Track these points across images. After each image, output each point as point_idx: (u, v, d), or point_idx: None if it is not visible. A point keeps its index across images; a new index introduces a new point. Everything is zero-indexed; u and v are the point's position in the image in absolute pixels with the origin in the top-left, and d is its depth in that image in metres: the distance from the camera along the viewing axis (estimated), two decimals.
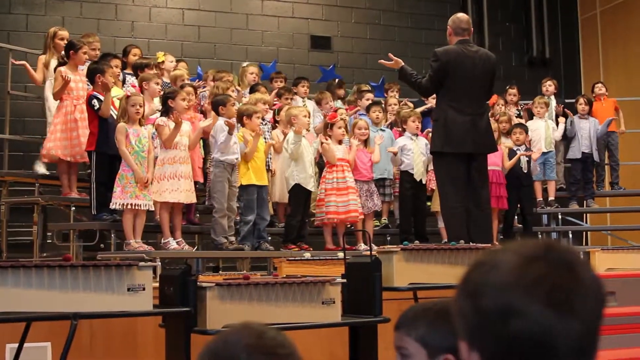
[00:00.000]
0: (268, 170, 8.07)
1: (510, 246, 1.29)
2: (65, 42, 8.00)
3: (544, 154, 9.64)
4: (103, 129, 7.14)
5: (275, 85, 9.46)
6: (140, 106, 6.95)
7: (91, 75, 7.41)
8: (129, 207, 6.84)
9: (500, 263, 1.25)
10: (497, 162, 8.50)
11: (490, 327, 1.22)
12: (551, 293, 1.20)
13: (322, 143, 8.21)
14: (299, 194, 7.98)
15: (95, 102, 7.17)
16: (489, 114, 9.57)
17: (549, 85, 10.36)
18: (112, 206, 6.90)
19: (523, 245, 1.28)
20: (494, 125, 8.18)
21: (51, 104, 7.98)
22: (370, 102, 9.49)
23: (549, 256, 1.25)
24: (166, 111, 7.32)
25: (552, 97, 10.33)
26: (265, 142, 8.03)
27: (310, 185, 7.99)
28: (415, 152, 8.57)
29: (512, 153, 8.97)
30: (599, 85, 10.40)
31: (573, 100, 10.32)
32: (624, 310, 5.21)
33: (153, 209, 7.10)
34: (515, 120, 9.79)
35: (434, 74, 6.80)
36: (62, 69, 7.67)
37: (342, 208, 8.05)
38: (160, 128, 7.22)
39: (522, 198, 9.02)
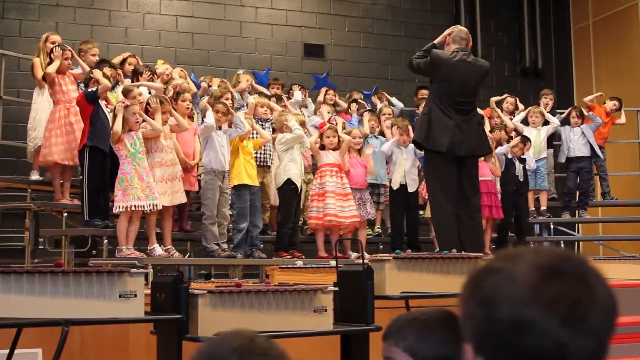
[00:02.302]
0: (268, 166, 8.15)
1: (524, 254, 1.27)
2: (50, 45, 8.00)
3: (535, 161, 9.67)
4: (94, 123, 7.16)
5: (273, 92, 9.46)
6: (140, 115, 7.01)
7: (87, 83, 7.44)
8: (133, 209, 6.82)
9: (516, 274, 1.23)
10: (487, 172, 8.51)
11: (501, 338, 1.21)
12: (570, 311, 1.19)
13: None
14: (288, 196, 7.97)
15: (91, 89, 7.21)
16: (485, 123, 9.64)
17: (550, 100, 10.35)
18: (115, 210, 6.89)
19: (537, 255, 1.26)
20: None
21: (39, 106, 7.98)
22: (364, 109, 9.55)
23: (566, 269, 1.23)
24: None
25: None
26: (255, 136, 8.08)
27: (299, 182, 8.02)
28: (399, 159, 8.56)
29: (509, 161, 8.97)
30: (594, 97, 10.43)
31: (565, 111, 10.35)
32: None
33: (160, 207, 7.06)
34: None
35: (424, 66, 6.95)
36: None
37: (321, 213, 8.06)
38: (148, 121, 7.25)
39: (518, 206, 9.01)
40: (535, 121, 9.85)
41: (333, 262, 5.28)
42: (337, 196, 8.11)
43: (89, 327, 4.72)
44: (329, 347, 4.81)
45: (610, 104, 10.35)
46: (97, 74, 7.27)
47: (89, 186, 7.13)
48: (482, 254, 4.89)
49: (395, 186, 8.53)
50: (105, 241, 7.29)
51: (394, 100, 10.32)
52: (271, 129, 8.40)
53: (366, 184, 8.58)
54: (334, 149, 8.27)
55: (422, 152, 7.36)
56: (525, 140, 9.31)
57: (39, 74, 7.91)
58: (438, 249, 7.00)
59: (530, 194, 9.71)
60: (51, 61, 7.84)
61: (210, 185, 7.49)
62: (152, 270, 6.50)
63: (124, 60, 8.77)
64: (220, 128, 7.56)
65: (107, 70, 7.86)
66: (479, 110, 7.81)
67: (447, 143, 6.71)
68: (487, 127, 9.01)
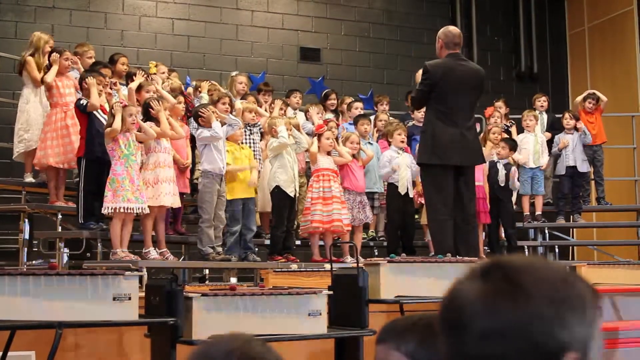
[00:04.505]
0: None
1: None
2: (49, 48, 8.00)
3: (531, 169, 9.67)
4: (91, 132, 7.15)
5: (263, 98, 9.44)
6: (136, 116, 7.04)
7: (82, 83, 7.44)
8: (122, 210, 6.81)
9: None
10: (479, 177, 8.48)
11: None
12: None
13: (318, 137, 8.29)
14: (281, 201, 7.95)
15: (83, 101, 7.22)
16: (486, 126, 9.63)
17: (543, 101, 10.38)
18: (103, 211, 6.86)
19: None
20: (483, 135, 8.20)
21: (31, 106, 7.96)
22: (359, 110, 9.55)
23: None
24: (147, 120, 7.34)
25: (544, 113, 10.37)
26: (253, 152, 8.09)
27: (289, 190, 7.95)
28: (401, 165, 8.57)
29: (492, 165, 8.93)
30: (590, 100, 10.39)
31: (560, 115, 10.36)
32: (610, 325, 5.23)
33: (147, 212, 7.05)
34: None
35: (424, 87, 6.80)
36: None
37: (326, 217, 8.05)
38: (144, 129, 7.23)
39: (501, 212, 8.98)
40: (530, 124, 9.85)
41: (327, 266, 5.29)
42: (342, 203, 8.16)
43: (83, 329, 4.71)
44: (323, 350, 4.81)
45: (588, 105, 10.34)
46: (91, 85, 7.24)
47: (84, 189, 7.13)
48: (476, 259, 4.89)
49: (402, 191, 8.49)
50: (100, 244, 7.28)
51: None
52: (259, 134, 8.41)
53: (364, 188, 8.57)
54: (329, 153, 8.27)
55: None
56: (510, 143, 9.22)
57: (36, 73, 7.88)
58: (433, 253, 7.00)
59: (525, 198, 9.72)
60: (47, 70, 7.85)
61: (208, 188, 7.48)
62: (146, 273, 6.49)
63: (116, 61, 8.75)
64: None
65: (103, 70, 7.89)
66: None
67: (458, 156, 6.66)
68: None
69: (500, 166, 8.96)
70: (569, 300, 1.23)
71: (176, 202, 7.39)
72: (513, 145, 9.27)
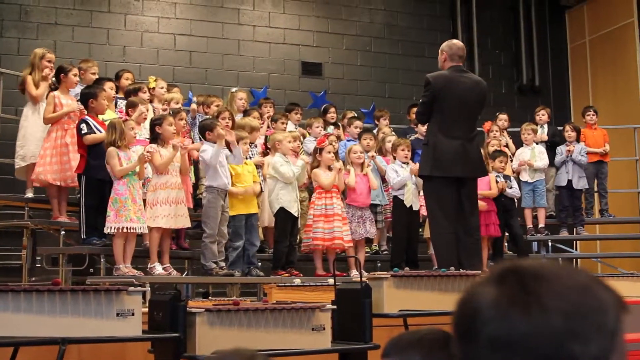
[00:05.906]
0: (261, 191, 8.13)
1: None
2: (52, 64, 8.02)
3: (530, 182, 9.66)
4: (92, 153, 7.16)
5: (265, 111, 9.45)
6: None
7: (84, 100, 7.45)
8: (124, 230, 6.81)
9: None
10: (485, 189, 8.48)
11: None
12: None
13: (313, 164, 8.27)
14: (283, 218, 7.95)
15: (83, 126, 7.19)
16: (484, 140, 9.63)
17: (542, 115, 10.39)
18: (106, 230, 6.87)
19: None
20: (483, 150, 8.19)
21: (30, 123, 7.97)
22: (358, 129, 9.52)
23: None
24: (155, 138, 7.34)
25: (545, 125, 10.37)
26: (259, 171, 8.10)
27: (294, 210, 7.96)
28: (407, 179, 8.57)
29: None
30: (590, 113, 10.41)
31: (562, 128, 10.37)
32: None
33: (147, 231, 7.07)
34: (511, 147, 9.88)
35: (426, 100, 6.81)
36: (56, 92, 7.73)
37: (328, 235, 8.05)
38: (151, 154, 7.23)
39: (510, 223, 8.98)
40: (528, 138, 9.84)
41: (331, 280, 5.28)
42: (343, 220, 8.15)
43: (87, 345, 4.70)
44: None
45: (588, 118, 10.35)
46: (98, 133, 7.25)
47: (86, 205, 7.12)
48: (480, 272, 4.88)
49: (408, 204, 8.49)
50: (103, 259, 7.27)
51: None
52: (259, 149, 8.44)
53: (369, 202, 8.56)
54: (330, 168, 8.27)
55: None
56: (504, 154, 9.23)
57: (33, 90, 7.91)
58: (436, 267, 6.99)
59: (528, 211, 9.71)
60: (54, 86, 7.87)
61: (212, 203, 7.47)
62: (149, 288, 6.49)
63: (121, 77, 8.78)
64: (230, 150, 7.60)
65: (106, 84, 7.93)
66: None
67: (459, 168, 6.65)
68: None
69: (500, 179, 8.96)
70: (585, 313, 1.18)
71: (179, 223, 7.36)
72: (507, 157, 9.29)
